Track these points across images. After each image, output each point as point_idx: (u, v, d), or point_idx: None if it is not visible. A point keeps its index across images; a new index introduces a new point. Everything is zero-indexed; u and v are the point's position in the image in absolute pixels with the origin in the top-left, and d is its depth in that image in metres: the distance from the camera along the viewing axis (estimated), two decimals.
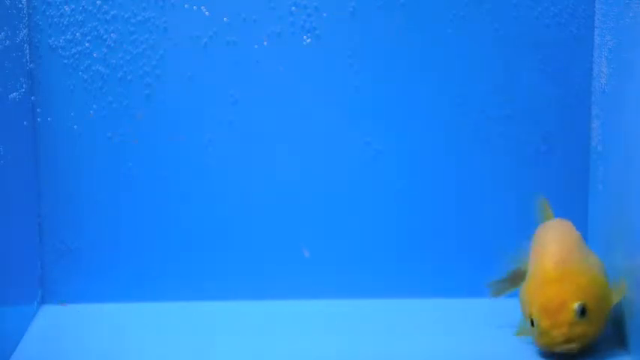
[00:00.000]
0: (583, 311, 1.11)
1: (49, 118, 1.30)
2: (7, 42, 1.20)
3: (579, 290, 1.12)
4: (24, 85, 1.26)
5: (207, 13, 1.30)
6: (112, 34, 1.29)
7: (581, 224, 1.32)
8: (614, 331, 1.20)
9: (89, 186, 1.32)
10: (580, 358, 1.13)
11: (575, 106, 1.32)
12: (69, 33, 1.29)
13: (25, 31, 1.27)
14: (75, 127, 1.31)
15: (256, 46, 1.30)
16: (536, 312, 1.12)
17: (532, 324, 1.13)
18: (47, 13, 1.28)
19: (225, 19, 1.30)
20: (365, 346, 1.20)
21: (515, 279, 1.23)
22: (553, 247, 1.17)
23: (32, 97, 1.29)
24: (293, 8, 1.30)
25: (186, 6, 1.29)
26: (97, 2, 1.28)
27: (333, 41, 1.30)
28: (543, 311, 1.12)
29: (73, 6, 1.28)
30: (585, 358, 1.14)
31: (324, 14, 1.30)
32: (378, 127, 1.32)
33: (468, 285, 1.34)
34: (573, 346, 1.12)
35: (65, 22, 1.29)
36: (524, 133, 1.32)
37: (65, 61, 1.29)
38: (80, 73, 1.30)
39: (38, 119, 1.30)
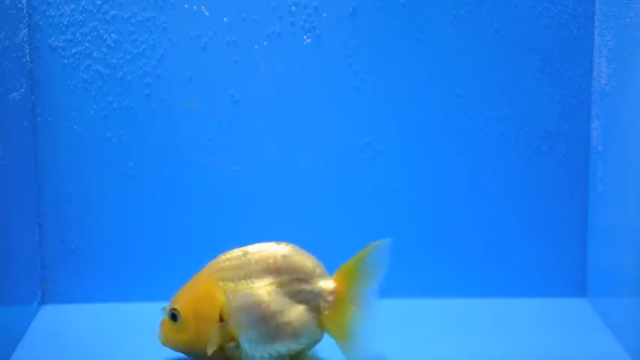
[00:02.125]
0: (174, 316, 1.13)
1: (49, 118, 1.30)
2: (7, 42, 1.20)
3: (186, 298, 1.14)
4: (24, 85, 1.26)
5: (207, 13, 1.30)
6: (112, 34, 1.29)
7: (581, 224, 1.33)
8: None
9: (89, 186, 1.32)
10: None
11: (575, 106, 1.32)
12: (69, 33, 1.29)
13: (25, 31, 1.27)
14: (75, 127, 1.31)
15: (256, 46, 1.30)
16: None
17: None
18: (47, 13, 1.28)
19: (225, 19, 1.30)
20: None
21: None
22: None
23: (32, 97, 1.30)
24: (293, 8, 1.30)
25: (186, 6, 1.29)
26: (97, 2, 1.29)
27: (333, 41, 1.31)
28: None
29: (73, 6, 1.28)
30: None
31: (324, 14, 1.30)
32: (378, 127, 1.32)
33: (467, 285, 1.34)
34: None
35: (65, 22, 1.29)
36: (524, 133, 1.32)
37: (65, 61, 1.29)
38: (80, 73, 1.30)
39: (38, 119, 1.30)
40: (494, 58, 1.31)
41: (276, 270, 1.12)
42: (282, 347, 1.11)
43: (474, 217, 1.34)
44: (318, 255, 1.33)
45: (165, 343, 1.14)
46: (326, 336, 1.13)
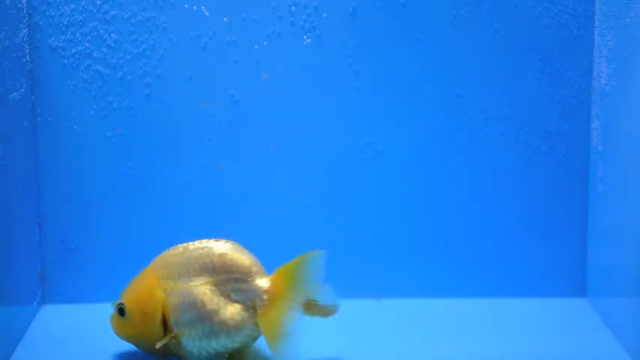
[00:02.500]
0: (121, 310, 1.15)
1: (49, 118, 1.30)
2: (7, 42, 1.20)
3: (132, 293, 1.15)
4: (24, 85, 1.26)
5: (207, 13, 1.30)
6: (112, 34, 1.29)
7: (581, 224, 1.33)
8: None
9: (89, 186, 1.32)
10: None
11: (575, 106, 1.32)
12: (69, 33, 1.29)
13: (25, 31, 1.27)
14: (75, 127, 1.31)
15: (256, 46, 1.30)
16: None
17: None
18: (47, 13, 1.28)
19: (225, 19, 1.30)
20: (364, 346, 1.20)
21: None
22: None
23: (32, 97, 1.29)
24: (293, 8, 1.30)
25: (186, 6, 1.29)
26: (97, 2, 1.28)
27: (333, 41, 1.30)
28: None
29: (73, 6, 1.28)
30: None
31: (324, 14, 1.30)
32: (378, 127, 1.32)
33: (467, 285, 1.34)
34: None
35: (65, 22, 1.29)
36: (524, 133, 1.32)
37: (65, 61, 1.29)
38: (80, 73, 1.30)
39: (38, 119, 1.30)
40: (494, 58, 1.31)
41: (212, 268, 1.12)
42: (219, 345, 1.12)
43: (473, 217, 1.33)
44: None
45: (117, 335, 1.17)
46: None
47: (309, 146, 1.32)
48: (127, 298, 1.15)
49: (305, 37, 1.30)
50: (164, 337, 1.13)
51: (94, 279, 1.33)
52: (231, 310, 1.12)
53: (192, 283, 1.12)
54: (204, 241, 1.14)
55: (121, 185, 1.32)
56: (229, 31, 1.30)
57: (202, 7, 1.29)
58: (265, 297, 1.12)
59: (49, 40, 1.29)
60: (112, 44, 1.29)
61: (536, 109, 1.32)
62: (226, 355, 1.14)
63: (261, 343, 1.14)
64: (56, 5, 1.28)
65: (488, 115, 1.32)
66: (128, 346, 1.19)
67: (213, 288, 1.12)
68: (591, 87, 1.31)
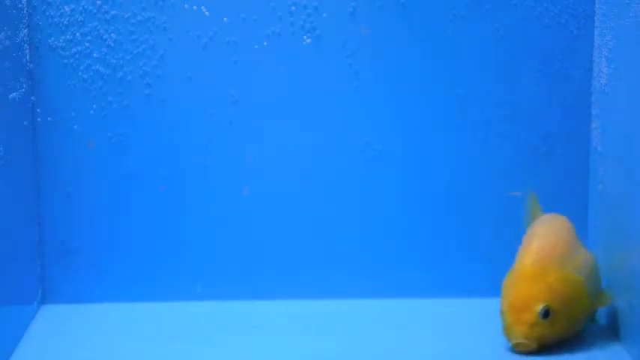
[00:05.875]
0: (546, 313, 1.14)
1: (49, 118, 1.30)
2: (7, 42, 1.20)
3: (548, 291, 1.14)
4: (24, 85, 1.26)
5: (207, 13, 1.30)
6: (112, 34, 1.29)
7: (581, 224, 1.32)
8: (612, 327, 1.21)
9: (89, 186, 1.32)
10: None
11: (575, 106, 1.32)
12: (69, 33, 1.29)
13: (25, 31, 1.27)
14: (75, 127, 1.31)
15: (256, 46, 1.30)
16: (504, 307, 1.16)
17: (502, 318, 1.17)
18: (47, 13, 1.28)
19: (225, 19, 1.30)
20: (364, 346, 1.20)
21: None
22: (535, 244, 1.18)
23: (32, 97, 1.29)
24: (293, 8, 1.30)
25: (186, 6, 1.29)
26: (97, 2, 1.28)
27: (333, 41, 1.30)
28: (510, 307, 1.15)
29: (73, 6, 1.28)
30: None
31: (324, 14, 1.30)
32: (378, 127, 1.32)
33: (467, 285, 1.34)
34: (531, 344, 1.14)
35: (65, 22, 1.29)
36: (524, 133, 1.32)
37: (65, 61, 1.29)
38: (80, 73, 1.30)
39: (38, 119, 1.30)
40: (494, 58, 1.31)
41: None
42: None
43: (473, 217, 1.33)
44: (315, 254, 1.33)
45: (529, 345, 1.14)
46: None
47: (309, 146, 1.32)
48: (545, 299, 1.13)
49: (305, 37, 1.30)
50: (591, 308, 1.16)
51: (94, 279, 1.33)
52: None
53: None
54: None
55: (120, 185, 1.32)
56: (229, 31, 1.30)
57: (202, 7, 1.29)
58: None
59: (49, 40, 1.29)
60: (112, 44, 1.29)
61: (536, 109, 1.32)
62: None
63: None
64: (56, 5, 1.28)
65: (488, 115, 1.32)
66: (128, 347, 1.19)
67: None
68: (591, 87, 1.31)
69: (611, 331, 1.22)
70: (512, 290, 1.16)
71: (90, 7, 1.28)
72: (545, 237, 1.19)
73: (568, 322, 1.16)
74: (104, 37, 1.29)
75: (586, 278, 1.17)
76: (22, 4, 1.26)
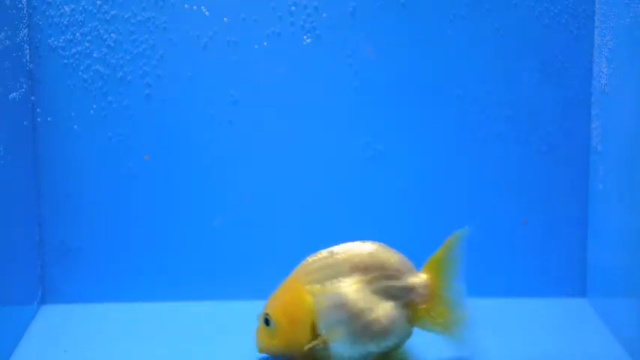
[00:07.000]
0: (267, 321, 1.14)
1: (49, 118, 1.30)
2: (7, 42, 1.20)
3: (281, 303, 1.14)
4: (24, 85, 1.26)
5: (207, 13, 1.30)
6: (112, 34, 1.29)
7: (581, 224, 1.33)
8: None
9: (89, 186, 1.32)
10: None
11: (575, 106, 1.32)
12: (69, 33, 1.29)
13: (25, 31, 1.27)
14: (75, 127, 1.31)
15: (256, 46, 1.30)
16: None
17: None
18: (47, 13, 1.28)
19: (225, 19, 1.30)
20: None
21: None
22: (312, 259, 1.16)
23: (32, 97, 1.30)
24: (293, 8, 1.30)
25: (186, 6, 1.29)
26: (97, 2, 1.29)
27: (333, 41, 1.31)
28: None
29: (73, 6, 1.28)
30: None
31: (324, 14, 1.30)
32: (378, 127, 1.32)
33: (467, 285, 1.34)
34: (262, 350, 1.15)
35: (65, 22, 1.29)
36: (524, 133, 1.32)
37: (65, 61, 1.29)
38: (80, 73, 1.30)
39: (38, 119, 1.30)
40: (494, 58, 1.31)
41: (363, 268, 1.12)
42: (372, 345, 1.10)
43: (473, 217, 1.33)
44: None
45: (261, 350, 1.15)
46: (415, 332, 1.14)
47: (309, 146, 1.32)
48: (272, 307, 1.14)
49: (305, 37, 1.30)
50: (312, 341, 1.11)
51: (94, 279, 1.33)
52: (385, 308, 1.11)
53: (341, 284, 1.11)
54: (347, 243, 1.14)
55: (120, 185, 1.32)
56: (229, 31, 1.30)
57: (202, 7, 1.29)
58: (424, 292, 1.12)
59: (49, 40, 1.29)
60: (112, 44, 1.29)
61: (536, 109, 1.32)
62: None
63: (410, 346, 1.14)
64: (56, 5, 1.28)
65: (488, 115, 1.32)
66: (128, 347, 1.20)
67: (365, 287, 1.11)
68: (591, 87, 1.31)
69: (611, 331, 1.22)
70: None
71: (90, 7, 1.29)
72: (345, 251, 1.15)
73: (288, 332, 1.13)
74: (104, 37, 1.29)
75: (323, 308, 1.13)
76: (22, 4, 1.26)
